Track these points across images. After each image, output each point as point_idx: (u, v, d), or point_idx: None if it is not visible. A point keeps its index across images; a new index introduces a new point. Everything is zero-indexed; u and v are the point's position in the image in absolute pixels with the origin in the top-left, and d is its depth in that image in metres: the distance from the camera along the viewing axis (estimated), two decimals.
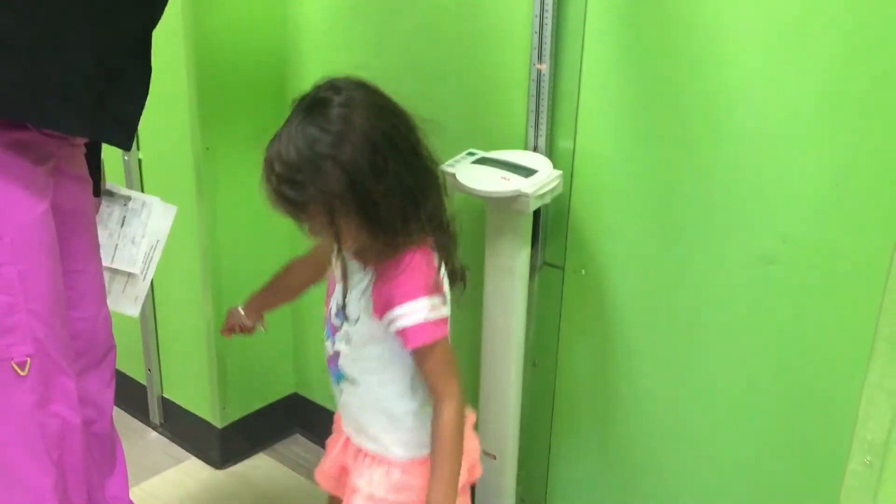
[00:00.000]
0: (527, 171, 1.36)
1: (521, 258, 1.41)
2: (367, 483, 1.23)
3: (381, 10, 1.62)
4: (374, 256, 1.13)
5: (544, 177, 1.36)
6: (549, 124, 1.42)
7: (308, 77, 1.25)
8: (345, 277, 1.17)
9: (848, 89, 1.14)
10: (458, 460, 1.17)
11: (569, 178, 1.43)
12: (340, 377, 1.23)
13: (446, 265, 1.16)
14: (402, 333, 1.12)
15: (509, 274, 1.42)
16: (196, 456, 2.01)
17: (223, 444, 1.96)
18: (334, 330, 1.21)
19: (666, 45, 1.28)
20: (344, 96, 1.06)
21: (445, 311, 1.14)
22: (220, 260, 1.82)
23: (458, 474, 1.17)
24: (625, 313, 1.44)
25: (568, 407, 1.57)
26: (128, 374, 2.10)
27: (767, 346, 1.30)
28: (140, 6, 1.18)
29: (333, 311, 1.21)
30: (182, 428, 2.05)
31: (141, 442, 2.06)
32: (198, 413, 1.98)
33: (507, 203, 1.35)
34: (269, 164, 1.06)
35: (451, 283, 1.19)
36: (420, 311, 1.11)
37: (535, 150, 1.44)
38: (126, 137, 1.20)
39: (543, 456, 1.62)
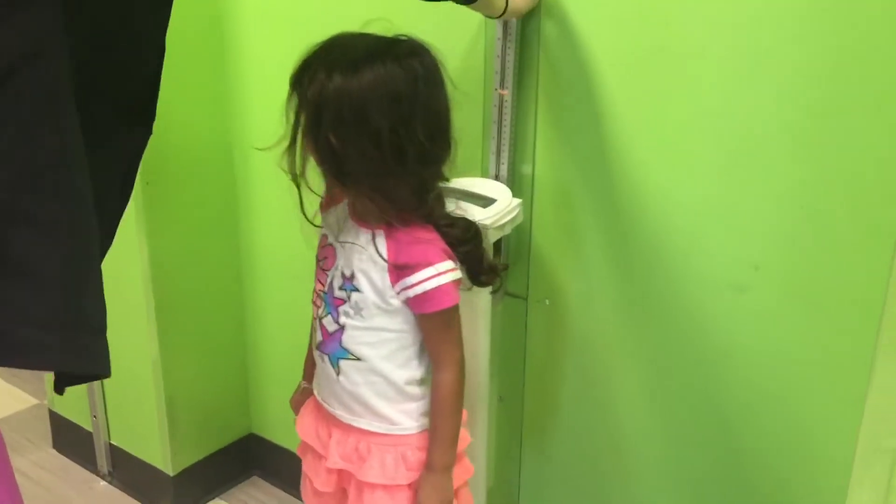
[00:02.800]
0: (485, 201, 1.30)
1: (482, 290, 1.34)
2: (381, 474, 1.17)
3: None
4: (385, 217, 1.11)
5: (503, 206, 1.30)
6: (511, 150, 1.36)
7: None
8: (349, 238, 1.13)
9: (816, 106, 1.10)
10: (458, 423, 1.17)
11: (529, 206, 1.37)
12: (342, 355, 1.16)
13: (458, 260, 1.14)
14: (424, 297, 1.09)
15: (470, 307, 1.35)
16: None
17: (176, 492, 1.85)
18: (339, 302, 1.15)
19: (627, 63, 1.23)
20: (404, 45, 1.07)
21: (459, 273, 1.12)
22: (164, 293, 1.73)
23: (458, 438, 1.17)
24: (592, 343, 1.39)
25: (537, 440, 1.51)
26: (72, 420, 2.00)
27: (744, 377, 1.25)
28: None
29: (338, 282, 1.15)
30: (132, 476, 1.94)
31: (89, 492, 1.95)
32: (148, 460, 1.88)
33: None
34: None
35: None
36: (444, 273, 1.09)
37: (497, 177, 1.38)
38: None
39: (514, 491, 1.55)
